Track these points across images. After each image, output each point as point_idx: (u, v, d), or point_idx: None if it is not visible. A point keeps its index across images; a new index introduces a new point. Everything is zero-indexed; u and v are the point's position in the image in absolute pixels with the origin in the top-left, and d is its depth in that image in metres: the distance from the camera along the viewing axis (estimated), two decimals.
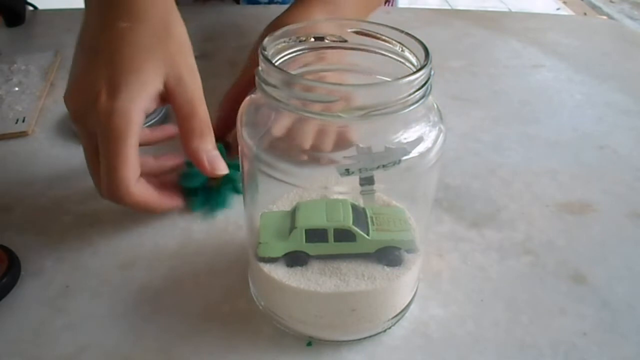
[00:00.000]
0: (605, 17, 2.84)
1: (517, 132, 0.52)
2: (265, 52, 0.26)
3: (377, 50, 0.29)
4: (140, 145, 0.34)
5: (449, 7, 2.94)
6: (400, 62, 0.28)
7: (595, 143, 0.50)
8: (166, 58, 0.35)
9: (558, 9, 3.16)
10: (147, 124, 0.50)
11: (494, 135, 0.51)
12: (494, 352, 0.31)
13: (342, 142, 0.26)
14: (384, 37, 0.28)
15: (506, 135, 0.51)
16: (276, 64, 0.26)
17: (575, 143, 0.50)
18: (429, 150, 0.26)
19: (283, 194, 0.33)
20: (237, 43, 0.69)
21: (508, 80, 0.62)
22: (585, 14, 2.98)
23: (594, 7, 3.20)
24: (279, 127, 0.26)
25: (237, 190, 0.41)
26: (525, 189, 0.44)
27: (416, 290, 0.33)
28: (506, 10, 2.82)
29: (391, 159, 0.25)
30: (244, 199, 0.32)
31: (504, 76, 0.63)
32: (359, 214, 0.30)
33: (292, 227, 0.29)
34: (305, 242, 0.29)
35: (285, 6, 0.49)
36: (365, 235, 0.29)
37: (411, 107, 0.25)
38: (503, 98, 0.58)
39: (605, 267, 0.37)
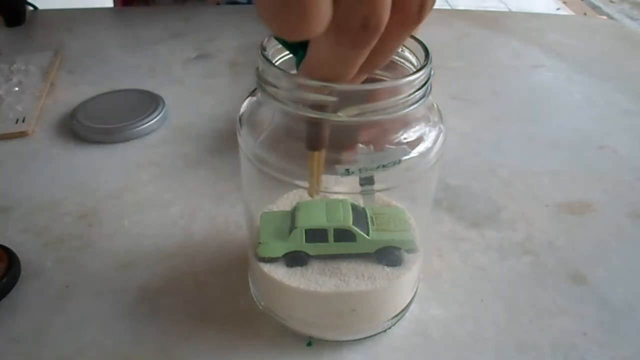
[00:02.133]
0: (605, 17, 2.83)
1: (517, 132, 0.52)
2: (265, 52, 0.26)
3: None
4: None
5: (449, 7, 2.94)
6: (400, 62, 0.28)
7: (595, 143, 0.50)
8: None
9: (558, 9, 3.16)
10: (146, 124, 0.50)
11: (494, 135, 0.51)
12: (493, 352, 0.31)
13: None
14: None
15: (506, 135, 0.51)
16: (276, 64, 0.26)
17: (575, 143, 0.50)
18: (429, 150, 0.26)
19: (283, 194, 0.33)
20: (237, 43, 0.69)
21: (508, 80, 0.62)
22: (585, 14, 2.97)
23: (594, 7, 3.20)
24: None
25: None
26: (525, 189, 0.44)
27: (416, 290, 0.33)
28: (506, 10, 2.82)
29: (391, 159, 0.25)
30: (244, 198, 0.32)
31: (504, 76, 0.63)
32: (359, 214, 0.30)
33: (292, 227, 0.29)
34: (305, 242, 0.29)
35: None
36: (365, 235, 0.29)
37: (411, 107, 0.24)
38: (503, 98, 0.58)
39: (605, 267, 0.37)
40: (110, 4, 0.86)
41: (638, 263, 0.37)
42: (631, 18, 3.02)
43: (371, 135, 0.25)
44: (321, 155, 0.25)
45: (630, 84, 0.60)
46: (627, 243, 0.39)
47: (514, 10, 2.73)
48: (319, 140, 0.25)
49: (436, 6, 0.22)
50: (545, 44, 0.70)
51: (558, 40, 0.72)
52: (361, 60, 0.20)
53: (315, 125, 0.24)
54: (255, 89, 0.27)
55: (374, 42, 0.19)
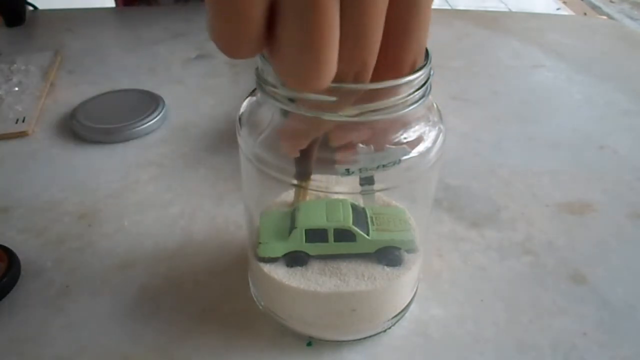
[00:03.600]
0: (605, 17, 2.83)
1: (517, 132, 0.52)
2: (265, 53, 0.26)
3: None
4: None
5: (449, 7, 2.94)
6: None
7: (595, 143, 0.50)
8: None
9: (558, 9, 3.16)
10: (146, 124, 0.50)
11: (494, 135, 0.51)
12: (493, 352, 0.31)
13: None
14: None
15: (506, 135, 0.51)
16: None
17: (575, 143, 0.50)
18: (429, 150, 0.26)
19: (283, 194, 0.33)
20: None
21: (508, 80, 0.62)
22: (585, 14, 2.97)
23: (594, 7, 3.20)
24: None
25: None
26: (525, 189, 0.44)
27: (416, 290, 0.33)
28: (506, 10, 2.82)
29: (391, 159, 0.25)
30: (244, 199, 0.32)
31: (504, 76, 0.63)
32: (359, 214, 0.30)
33: (292, 227, 0.29)
34: (305, 242, 0.29)
35: None
36: (365, 235, 0.29)
37: (411, 107, 0.24)
38: (503, 98, 0.58)
39: (605, 267, 0.37)
40: (111, 4, 0.86)
41: (638, 263, 0.37)
42: (631, 18, 3.01)
43: (371, 135, 0.25)
44: (307, 183, 0.26)
45: (630, 84, 0.60)
46: (627, 243, 0.39)
47: (514, 10, 2.73)
48: (306, 171, 0.26)
49: (436, 6, 0.23)
50: (545, 44, 0.70)
51: (558, 40, 0.72)
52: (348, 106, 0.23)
53: (302, 157, 0.25)
54: (255, 89, 0.27)
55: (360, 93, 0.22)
